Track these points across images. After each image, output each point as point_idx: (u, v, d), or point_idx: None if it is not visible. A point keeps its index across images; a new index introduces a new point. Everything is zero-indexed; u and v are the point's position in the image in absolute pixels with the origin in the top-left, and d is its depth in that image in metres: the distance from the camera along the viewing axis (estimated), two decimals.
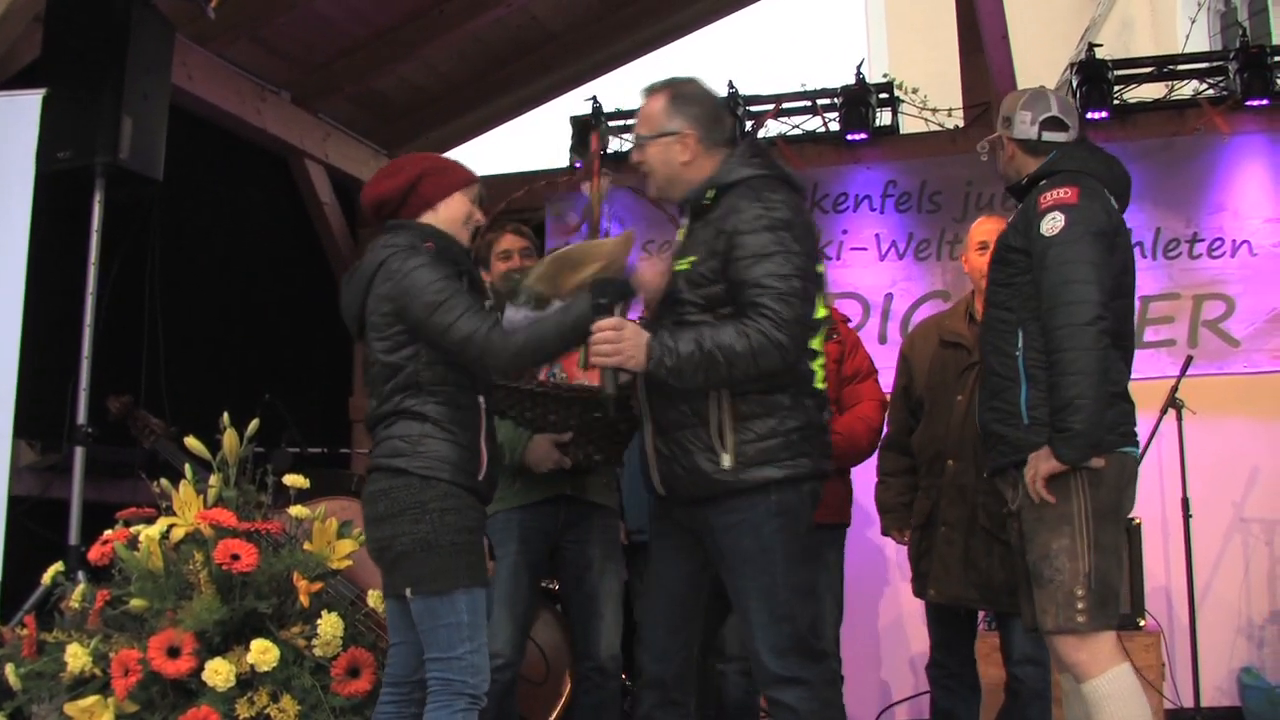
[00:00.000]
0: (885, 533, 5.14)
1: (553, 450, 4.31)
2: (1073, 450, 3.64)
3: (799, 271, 3.51)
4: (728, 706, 4.97)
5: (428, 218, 3.72)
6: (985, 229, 4.96)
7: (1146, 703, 3.69)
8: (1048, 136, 4.04)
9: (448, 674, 3.47)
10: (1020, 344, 3.84)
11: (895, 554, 5.29)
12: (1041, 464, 3.69)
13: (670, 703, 3.81)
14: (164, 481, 4.37)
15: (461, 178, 3.78)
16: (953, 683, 4.94)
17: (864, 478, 5.18)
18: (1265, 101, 7.19)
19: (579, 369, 4.29)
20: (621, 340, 3.45)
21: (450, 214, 3.73)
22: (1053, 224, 3.75)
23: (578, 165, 8.04)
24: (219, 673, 3.86)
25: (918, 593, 4.93)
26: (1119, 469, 3.78)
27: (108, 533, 4.33)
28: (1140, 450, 5.95)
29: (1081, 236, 3.73)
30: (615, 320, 3.47)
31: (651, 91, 3.81)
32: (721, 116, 3.90)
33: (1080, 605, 3.64)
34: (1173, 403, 6.29)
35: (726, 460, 3.56)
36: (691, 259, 3.64)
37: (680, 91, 3.78)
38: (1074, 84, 7.53)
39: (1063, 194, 3.80)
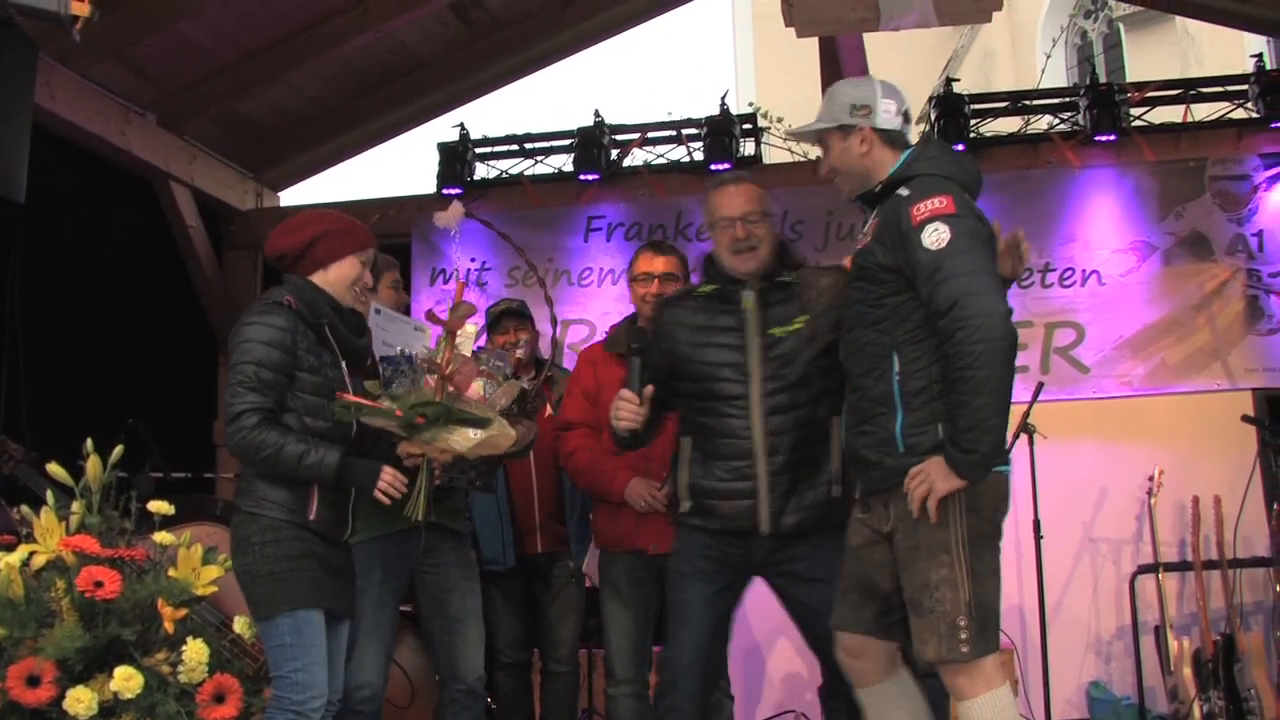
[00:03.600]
0: None
1: None
2: (976, 471, 3.48)
3: None
4: None
5: (317, 277, 3.98)
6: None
7: None
8: (907, 130, 3.89)
9: (279, 691, 3.72)
10: (896, 368, 3.64)
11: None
12: (939, 483, 3.50)
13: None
14: (24, 508, 4.33)
15: (356, 243, 4.04)
16: (838, 703, 4.97)
17: None
18: (1113, 137, 7.47)
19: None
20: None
21: (339, 275, 4.01)
22: (937, 236, 3.52)
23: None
24: (81, 701, 3.84)
25: None
26: (994, 488, 3.62)
27: None
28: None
29: (972, 246, 3.55)
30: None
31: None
32: None
33: (963, 636, 3.50)
34: (1025, 427, 6.46)
35: (836, 490, 4.08)
36: (800, 321, 4.16)
37: None
38: (932, 117, 7.75)
39: (937, 204, 3.58)
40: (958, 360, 3.44)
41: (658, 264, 5.01)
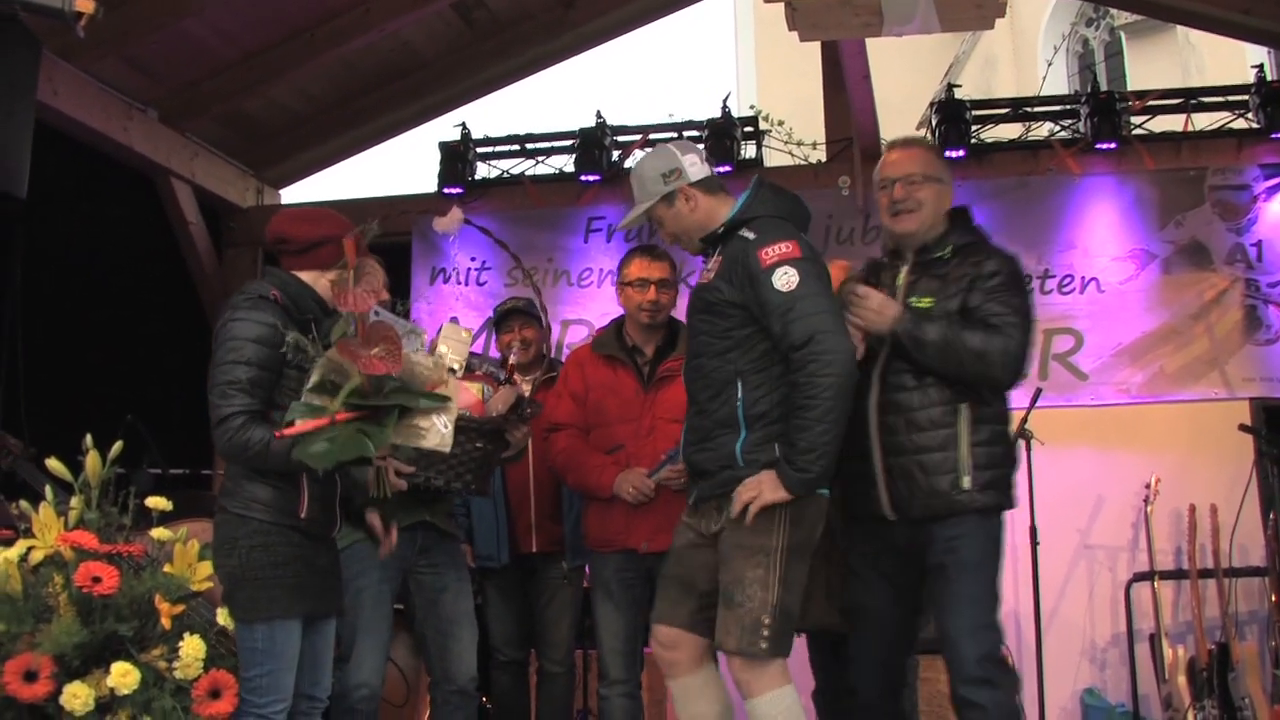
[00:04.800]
0: None
1: None
2: (805, 489, 3.79)
3: None
4: None
5: (310, 275, 3.94)
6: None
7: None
8: (715, 171, 4.20)
9: (244, 692, 3.77)
10: (740, 394, 3.91)
11: None
12: (767, 492, 3.79)
13: (886, 716, 4.23)
14: (23, 503, 4.32)
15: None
16: (837, 705, 5.00)
17: None
18: (1113, 144, 7.48)
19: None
20: (884, 309, 4.01)
21: (330, 281, 3.90)
22: (787, 279, 3.81)
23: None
24: (77, 696, 3.83)
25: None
26: (817, 509, 3.92)
27: None
28: None
29: (820, 289, 3.85)
30: (872, 292, 4.05)
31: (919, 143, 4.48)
32: None
33: (765, 633, 3.78)
34: (1022, 433, 6.47)
35: (967, 482, 4.00)
36: (930, 300, 4.12)
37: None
38: (934, 123, 7.75)
39: (784, 249, 3.85)
40: (808, 389, 3.76)
41: (655, 270, 5.04)
